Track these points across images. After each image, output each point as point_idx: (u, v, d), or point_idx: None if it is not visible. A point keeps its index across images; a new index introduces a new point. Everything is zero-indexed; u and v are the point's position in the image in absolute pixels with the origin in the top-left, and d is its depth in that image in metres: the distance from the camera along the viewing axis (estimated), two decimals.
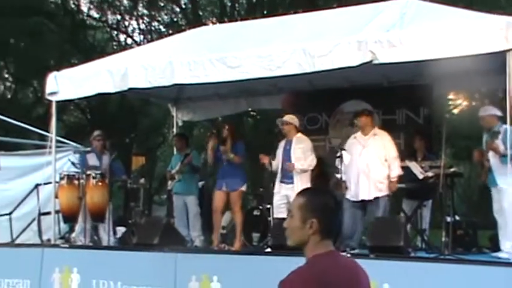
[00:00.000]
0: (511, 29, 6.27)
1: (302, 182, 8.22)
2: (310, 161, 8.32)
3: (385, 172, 7.95)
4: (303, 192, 2.67)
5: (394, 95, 9.72)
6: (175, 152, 10.48)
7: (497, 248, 7.34)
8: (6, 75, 22.56)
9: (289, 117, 8.55)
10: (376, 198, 7.87)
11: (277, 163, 8.46)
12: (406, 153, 8.97)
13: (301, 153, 8.33)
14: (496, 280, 5.74)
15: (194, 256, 7.89)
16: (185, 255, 7.84)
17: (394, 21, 7.18)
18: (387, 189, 7.93)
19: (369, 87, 9.70)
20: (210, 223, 9.07)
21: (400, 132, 9.62)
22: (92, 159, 9.47)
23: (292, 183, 8.26)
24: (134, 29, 22.23)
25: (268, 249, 7.78)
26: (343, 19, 8.13)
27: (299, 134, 8.53)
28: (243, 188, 8.93)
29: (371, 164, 7.94)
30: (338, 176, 8.07)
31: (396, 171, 7.99)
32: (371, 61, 6.87)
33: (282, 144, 8.53)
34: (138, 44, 19.55)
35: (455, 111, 17.94)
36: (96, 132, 9.79)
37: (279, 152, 8.49)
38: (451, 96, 16.61)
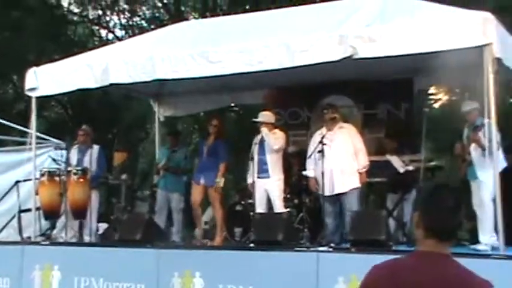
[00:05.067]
0: (488, 24, 6.40)
1: (277, 175, 8.34)
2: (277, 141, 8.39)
3: (355, 164, 8.06)
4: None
5: (375, 90, 9.79)
6: (157, 146, 10.50)
7: (476, 241, 7.45)
8: None
9: (263, 117, 8.58)
10: (350, 191, 7.96)
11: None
12: (387, 147, 9.04)
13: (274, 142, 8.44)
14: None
15: (176, 252, 7.91)
16: (167, 251, 7.86)
17: (374, 16, 7.25)
18: (359, 181, 8.01)
19: (350, 82, 9.76)
20: (192, 218, 9.12)
21: (382, 126, 9.69)
22: (76, 154, 9.46)
23: (268, 177, 8.36)
24: (115, 24, 22.11)
25: (251, 244, 7.83)
26: (324, 14, 8.18)
27: (275, 130, 8.61)
28: (221, 185, 8.92)
29: (341, 157, 8.01)
30: (309, 173, 8.17)
31: (363, 162, 8.08)
32: (351, 56, 6.95)
33: (257, 139, 8.58)
34: (120, 39, 19.46)
35: (436, 105, 18.09)
36: (82, 127, 9.79)
37: (255, 148, 8.56)
38: (432, 91, 16.73)
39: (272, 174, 8.41)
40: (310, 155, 8.13)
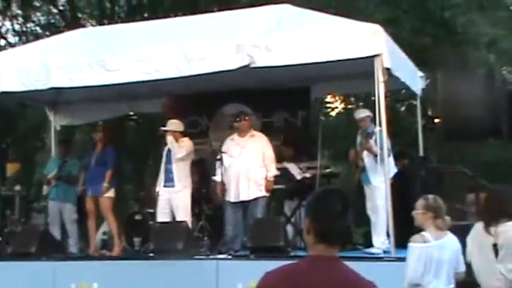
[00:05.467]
0: (377, 35, 6.70)
1: (183, 184, 8.30)
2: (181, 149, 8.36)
3: (263, 172, 8.12)
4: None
5: (272, 98, 9.96)
6: (52, 155, 10.21)
7: (370, 244, 7.71)
8: None
9: (172, 125, 8.54)
10: (256, 199, 8.01)
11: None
12: (284, 154, 9.20)
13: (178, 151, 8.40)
14: (367, 275, 6.04)
15: (73, 264, 7.75)
16: (64, 263, 7.68)
17: (271, 25, 7.41)
18: (265, 189, 8.11)
19: (248, 91, 9.87)
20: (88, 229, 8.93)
21: (279, 134, 9.86)
22: None
23: (173, 186, 8.32)
24: (8, 30, 21.36)
25: (150, 254, 7.76)
26: (222, 23, 8.25)
27: (184, 138, 8.56)
28: (111, 194, 8.71)
29: (250, 165, 8.07)
30: (217, 178, 8.20)
31: (273, 171, 8.18)
32: (249, 65, 7.07)
33: (167, 148, 8.51)
34: (13, 46, 18.81)
35: (333, 113, 18.61)
36: None
37: (163, 157, 8.49)
38: (328, 99, 17.20)
39: (177, 183, 8.35)
40: (218, 160, 8.16)
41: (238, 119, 8.31)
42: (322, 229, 2.45)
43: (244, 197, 7.99)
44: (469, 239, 5.12)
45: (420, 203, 4.85)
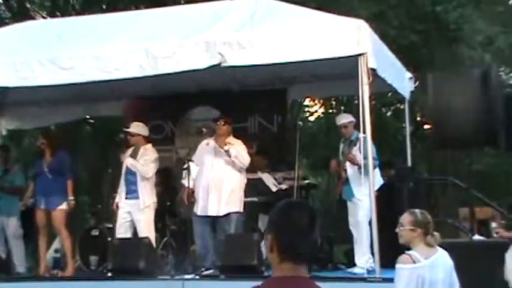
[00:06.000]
0: (362, 32, 6.75)
1: (147, 196, 8.28)
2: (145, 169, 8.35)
3: (238, 184, 8.01)
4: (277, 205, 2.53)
5: (246, 101, 9.99)
6: None
7: (352, 263, 7.77)
8: None
9: (137, 128, 8.53)
10: (227, 215, 7.90)
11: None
12: (258, 164, 9.22)
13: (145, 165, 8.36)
14: None
15: (19, 285, 7.69)
16: (8, 284, 7.62)
17: (244, 20, 7.43)
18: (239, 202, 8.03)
19: (219, 92, 9.91)
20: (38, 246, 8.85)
21: (253, 141, 9.87)
22: None
23: (137, 198, 8.29)
24: None
25: (108, 274, 7.73)
26: (190, 17, 8.25)
27: (148, 145, 8.53)
28: (64, 207, 8.60)
29: (223, 175, 7.98)
30: (185, 182, 8.19)
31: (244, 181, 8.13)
32: (219, 64, 7.10)
33: (127, 153, 8.48)
34: None
35: (312, 118, 18.71)
36: None
37: (124, 166, 8.45)
38: (306, 103, 17.30)
39: (141, 195, 8.29)
40: (185, 169, 8.13)
41: (218, 122, 8.15)
42: (287, 246, 2.41)
43: (213, 212, 7.89)
44: (508, 257, 5.17)
45: (407, 218, 4.83)
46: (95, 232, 9.12)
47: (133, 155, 8.41)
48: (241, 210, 8.02)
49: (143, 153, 8.42)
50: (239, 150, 7.99)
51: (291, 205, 2.54)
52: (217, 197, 7.90)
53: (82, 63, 7.47)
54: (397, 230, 4.78)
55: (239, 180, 8.03)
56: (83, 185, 9.35)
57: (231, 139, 8.22)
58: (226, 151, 7.85)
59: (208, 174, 7.99)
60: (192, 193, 8.09)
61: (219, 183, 7.94)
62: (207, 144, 8.16)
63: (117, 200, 8.44)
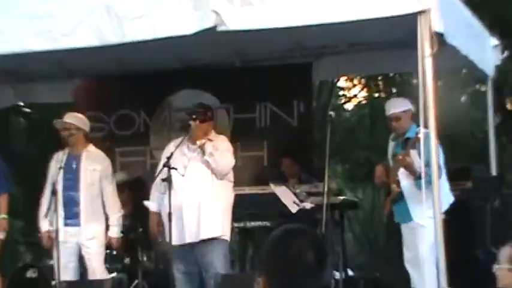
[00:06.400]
0: None
1: (96, 223, 8.37)
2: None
3: (223, 199, 8.09)
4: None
5: (252, 82, 10.02)
6: None
7: None
8: None
9: (74, 118, 8.54)
10: (210, 241, 7.96)
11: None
12: (271, 172, 9.18)
13: (97, 178, 8.37)
14: None
15: None
16: None
17: None
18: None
19: (213, 70, 9.96)
20: None
21: (263, 139, 9.82)
22: None
23: (78, 225, 8.34)
24: None
25: None
26: None
27: (91, 147, 8.56)
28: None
29: (202, 187, 8.02)
30: (150, 205, 8.25)
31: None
32: (214, 27, 6.99)
33: (60, 158, 8.47)
34: None
35: (349, 106, 18.69)
36: None
37: (58, 176, 8.41)
38: (341, 84, 17.28)
39: (87, 219, 8.34)
40: (156, 176, 8.10)
41: (194, 116, 8.15)
42: None
43: (191, 237, 7.94)
44: None
45: (508, 253, 4.82)
46: (32, 273, 9.08)
47: (74, 163, 8.47)
48: (226, 238, 8.10)
49: (88, 158, 8.50)
50: (220, 148, 8.04)
51: (289, 234, 2.64)
52: (195, 217, 7.97)
53: (13, 27, 7.39)
54: (493, 269, 4.73)
55: (224, 195, 8.09)
56: (16, 203, 9.32)
57: (213, 136, 8.29)
58: (200, 147, 7.89)
59: (181, 186, 7.98)
60: (160, 220, 8.16)
61: (195, 198, 7.99)
62: (174, 146, 8.16)
63: (44, 226, 8.40)
